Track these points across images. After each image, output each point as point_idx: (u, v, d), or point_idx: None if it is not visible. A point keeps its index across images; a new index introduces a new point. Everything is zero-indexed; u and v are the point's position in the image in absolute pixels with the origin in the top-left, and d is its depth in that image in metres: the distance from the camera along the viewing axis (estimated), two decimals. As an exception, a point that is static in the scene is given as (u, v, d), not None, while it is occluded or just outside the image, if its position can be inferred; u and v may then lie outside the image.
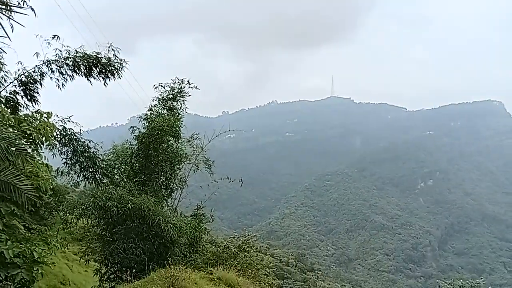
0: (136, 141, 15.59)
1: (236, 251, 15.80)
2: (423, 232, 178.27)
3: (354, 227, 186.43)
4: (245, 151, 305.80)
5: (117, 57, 14.43)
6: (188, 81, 16.55)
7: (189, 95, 16.71)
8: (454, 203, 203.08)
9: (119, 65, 14.54)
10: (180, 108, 16.68)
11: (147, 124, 15.44)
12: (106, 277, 14.22)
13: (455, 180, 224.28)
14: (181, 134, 16.30)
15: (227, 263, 14.30)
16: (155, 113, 15.92)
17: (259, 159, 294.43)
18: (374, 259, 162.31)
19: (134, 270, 11.46)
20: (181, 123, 16.21)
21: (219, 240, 18.18)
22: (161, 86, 16.44)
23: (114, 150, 16.63)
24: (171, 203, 16.53)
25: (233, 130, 21.04)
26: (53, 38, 13.62)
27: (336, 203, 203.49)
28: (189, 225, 14.95)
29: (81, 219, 13.99)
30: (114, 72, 14.54)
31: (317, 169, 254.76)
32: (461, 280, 18.68)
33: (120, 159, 16.23)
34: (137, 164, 15.58)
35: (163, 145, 15.30)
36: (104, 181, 15.32)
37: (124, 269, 11.78)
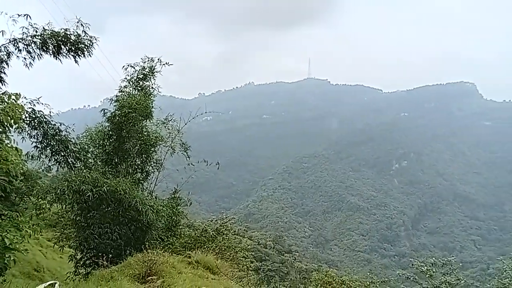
0: (108, 123, 15.15)
1: (214, 234, 15.71)
2: (397, 212, 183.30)
3: (331, 208, 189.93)
4: (222, 134, 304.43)
5: (87, 34, 13.68)
6: (159, 59, 16.12)
7: (161, 74, 16.33)
8: (427, 184, 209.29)
9: (89, 42, 13.78)
10: (152, 88, 16.26)
11: (117, 105, 15.00)
12: (81, 263, 13.99)
13: (428, 161, 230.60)
14: (153, 113, 15.91)
15: (205, 246, 14.20)
16: (125, 94, 15.47)
17: (237, 141, 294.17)
18: (350, 239, 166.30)
19: (110, 255, 11.28)
20: (152, 101, 15.81)
21: (197, 224, 18.08)
22: (131, 66, 15.96)
23: (86, 133, 16.08)
24: (147, 187, 16.20)
25: (209, 112, 20.74)
26: (19, 16, 12.84)
27: (313, 185, 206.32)
28: (166, 208, 14.73)
29: (55, 204, 13.55)
30: (84, 49, 13.81)
31: (294, 151, 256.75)
32: (433, 258, 19.26)
33: (93, 142, 15.74)
34: (110, 147, 15.18)
35: (135, 126, 14.92)
36: (77, 165, 14.83)
37: (100, 254, 11.52)
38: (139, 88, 15.95)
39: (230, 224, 17.53)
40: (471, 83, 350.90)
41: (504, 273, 17.13)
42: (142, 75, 16.05)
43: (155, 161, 16.38)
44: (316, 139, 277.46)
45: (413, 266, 19.33)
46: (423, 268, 18.30)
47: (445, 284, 17.43)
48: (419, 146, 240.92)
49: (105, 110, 15.34)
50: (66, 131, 14.65)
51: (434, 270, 18.28)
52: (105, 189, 12.35)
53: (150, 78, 16.19)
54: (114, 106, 15.07)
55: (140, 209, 12.80)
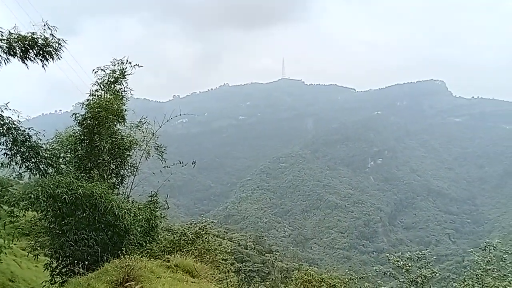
0: (79, 127, 14.82)
1: (194, 237, 15.60)
2: (374, 209, 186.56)
3: (309, 207, 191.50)
4: (199, 136, 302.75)
5: (55, 37, 13.27)
6: (127, 60, 15.86)
7: (131, 75, 16.08)
8: (402, 180, 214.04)
9: (57, 45, 13.36)
10: (124, 91, 16.01)
11: (87, 108, 14.71)
12: (57, 271, 13.62)
13: (402, 158, 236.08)
14: (127, 116, 15.68)
15: (184, 250, 14.08)
16: (97, 98, 15.12)
17: (213, 143, 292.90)
18: (329, 237, 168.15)
19: (86, 262, 11.07)
20: (123, 102, 15.58)
21: (176, 227, 17.90)
22: (101, 69, 15.62)
23: (57, 138, 15.62)
24: (123, 191, 15.91)
25: (185, 115, 20.59)
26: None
27: (291, 185, 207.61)
28: (144, 212, 14.53)
29: (28, 212, 13.24)
30: (53, 53, 13.42)
31: (272, 151, 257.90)
32: (409, 253, 19.63)
33: (64, 147, 15.32)
34: (82, 152, 14.85)
35: (107, 129, 14.67)
36: (49, 171, 14.43)
37: (76, 261, 11.32)
38: (111, 92, 15.61)
39: (210, 227, 17.43)
40: (440, 81, 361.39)
41: (477, 264, 17.62)
42: (113, 79, 15.74)
43: (130, 165, 16.12)
44: (292, 139, 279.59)
45: (389, 261, 19.67)
46: (399, 263, 18.64)
47: (421, 278, 17.79)
48: (393, 143, 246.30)
49: (77, 115, 14.95)
50: (36, 136, 14.22)
51: (410, 265, 18.63)
52: (81, 192, 12.09)
53: (122, 81, 15.91)
54: (85, 109, 14.73)
55: (117, 213, 12.57)
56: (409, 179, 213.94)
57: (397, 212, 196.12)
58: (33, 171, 14.38)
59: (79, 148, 14.95)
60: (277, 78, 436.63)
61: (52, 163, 14.60)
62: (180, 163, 17.08)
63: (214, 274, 13.01)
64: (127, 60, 15.84)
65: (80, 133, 14.86)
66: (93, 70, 15.66)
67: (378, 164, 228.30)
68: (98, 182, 13.20)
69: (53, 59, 13.52)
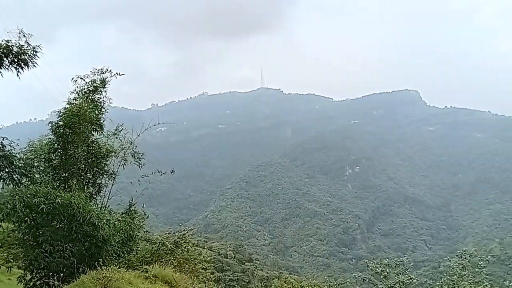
0: (53, 135, 14.44)
1: (172, 247, 15.40)
2: (352, 217, 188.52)
3: (289, 215, 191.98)
4: (178, 145, 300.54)
5: (30, 45, 12.96)
6: (107, 69, 15.64)
7: (110, 85, 15.84)
8: (379, 188, 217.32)
9: (32, 52, 13.04)
10: (103, 101, 15.78)
11: (62, 115, 14.37)
12: (31, 284, 13.09)
13: (379, 166, 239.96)
14: (104, 125, 15.46)
15: (163, 260, 13.90)
16: (73, 106, 14.74)
17: (193, 152, 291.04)
18: (308, 245, 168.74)
19: (62, 274, 10.76)
20: (100, 111, 15.38)
21: (155, 237, 17.64)
22: (81, 78, 15.37)
23: (31, 147, 15.16)
24: (100, 201, 15.54)
25: (163, 123, 20.41)
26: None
27: (271, 193, 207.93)
28: (121, 222, 14.22)
29: (1, 223, 12.71)
30: (28, 61, 13.19)
31: (251, 160, 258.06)
32: (387, 259, 19.97)
33: (38, 156, 14.89)
34: (56, 161, 14.48)
35: (82, 137, 14.35)
36: (23, 181, 14.05)
37: (51, 274, 10.98)
38: (90, 100, 15.33)
39: (189, 236, 17.27)
40: (415, 90, 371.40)
41: (453, 270, 18.03)
42: (93, 88, 15.51)
43: (107, 174, 15.77)
44: (271, 147, 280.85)
45: (368, 268, 19.93)
46: (378, 269, 18.91)
47: (399, 284, 18.09)
48: (370, 151, 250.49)
49: (53, 123, 14.54)
50: (10, 146, 13.84)
51: (388, 271, 18.93)
52: (59, 202, 11.76)
53: (102, 91, 15.70)
54: (59, 118, 14.39)
55: (96, 223, 12.29)
56: (386, 186, 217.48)
57: (374, 219, 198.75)
58: (7, 181, 13.96)
59: (53, 158, 14.57)
60: (256, 87, 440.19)
61: (26, 172, 14.24)
62: (159, 172, 16.85)
63: (193, 284, 12.88)
64: (107, 70, 15.64)
65: (54, 142, 14.49)
66: (72, 78, 15.39)
67: (356, 172, 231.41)
68: (76, 192, 12.90)
69: (28, 67, 13.26)
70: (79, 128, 14.02)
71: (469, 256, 18.06)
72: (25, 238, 13.23)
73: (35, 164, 14.78)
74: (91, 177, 15.37)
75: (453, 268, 17.90)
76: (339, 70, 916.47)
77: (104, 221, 12.53)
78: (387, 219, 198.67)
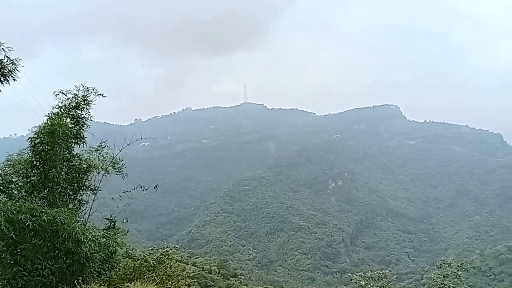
0: (32, 152, 14.18)
1: (155, 263, 15.21)
2: (336, 230, 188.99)
3: (273, 229, 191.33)
4: (161, 159, 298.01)
5: (9, 58, 12.85)
6: (94, 88, 15.53)
7: (94, 104, 15.65)
8: (362, 201, 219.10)
9: (12, 66, 12.94)
10: (86, 117, 15.64)
11: (41, 131, 14.09)
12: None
13: (362, 179, 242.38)
14: (86, 140, 15.36)
15: (145, 277, 13.71)
16: (55, 122, 14.50)
17: (176, 167, 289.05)
18: (293, 259, 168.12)
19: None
20: (82, 126, 15.30)
21: (137, 254, 17.38)
22: (62, 93, 15.20)
23: (9, 163, 14.80)
24: (82, 217, 15.28)
25: (146, 138, 20.17)
26: None
27: (255, 207, 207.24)
28: (106, 238, 14.08)
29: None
30: (7, 75, 13.05)
31: (235, 174, 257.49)
32: (370, 272, 20.11)
33: (17, 172, 14.55)
34: (35, 177, 14.18)
35: (62, 153, 14.13)
36: (0, 197, 13.75)
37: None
38: (71, 116, 15.25)
39: (172, 252, 17.08)
40: (395, 105, 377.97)
41: (434, 282, 18.28)
42: (75, 103, 15.38)
43: (88, 189, 15.61)
44: (255, 161, 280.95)
45: (352, 281, 20.02)
46: (361, 282, 19.00)
47: (383, 296, 18.21)
48: (352, 165, 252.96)
49: (32, 139, 14.25)
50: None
51: (372, 284, 19.04)
52: (44, 219, 11.59)
53: (84, 107, 15.54)
54: (38, 134, 14.12)
55: (81, 239, 12.16)
56: (368, 199, 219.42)
57: (358, 232, 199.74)
58: (-16, 197, 13.65)
59: (32, 174, 14.26)
60: (240, 102, 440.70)
61: (4, 189, 13.96)
62: (141, 187, 16.71)
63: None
64: (93, 89, 15.56)
65: (33, 158, 14.17)
66: (54, 92, 15.21)
67: (339, 185, 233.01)
68: (61, 208, 12.73)
69: (8, 81, 13.13)
70: (59, 144, 13.76)
71: (449, 266, 18.38)
72: (2, 256, 12.87)
73: (14, 179, 14.47)
74: (71, 193, 15.15)
75: (433, 279, 18.15)
76: (321, 85, 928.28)
77: (90, 237, 12.39)
78: (370, 232, 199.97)
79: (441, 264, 18.64)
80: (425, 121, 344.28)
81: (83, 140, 15.34)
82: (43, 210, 11.95)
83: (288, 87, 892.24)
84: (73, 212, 14.80)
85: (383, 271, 20.46)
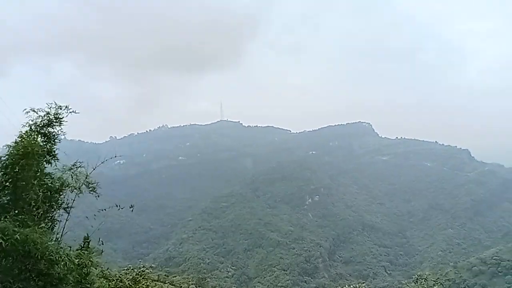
0: (2, 172, 13.83)
1: (131, 284, 15.16)
2: (314, 245, 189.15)
3: (252, 246, 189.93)
4: (137, 177, 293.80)
5: None
6: (66, 106, 15.37)
7: (66, 121, 15.47)
8: (338, 216, 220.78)
9: None
10: (57, 134, 15.38)
11: (11, 151, 13.77)
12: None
13: (337, 195, 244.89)
14: (58, 159, 15.05)
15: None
16: (26, 140, 14.19)
17: (153, 184, 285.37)
18: (272, 275, 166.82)
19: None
20: (54, 144, 15.08)
21: (112, 274, 17.23)
22: (33, 111, 14.92)
23: None
24: (55, 237, 14.64)
25: (120, 156, 20.05)
26: None
27: (233, 224, 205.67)
28: (77, 259, 13.62)
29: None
30: None
31: (213, 191, 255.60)
32: (347, 286, 20.55)
33: None
34: (5, 198, 13.77)
35: (34, 172, 13.80)
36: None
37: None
38: (43, 134, 14.99)
39: (149, 271, 17.01)
40: (367, 123, 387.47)
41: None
42: (46, 121, 15.12)
43: (61, 208, 15.20)
44: (232, 178, 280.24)
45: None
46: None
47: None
48: (328, 181, 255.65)
49: (2, 159, 13.96)
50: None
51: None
52: (18, 238, 11.32)
53: (55, 125, 15.31)
54: (7, 154, 13.79)
55: (54, 259, 11.91)
56: (344, 214, 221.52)
57: (335, 247, 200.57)
58: None
59: (1, 195, 13.86)
60: (216, 120, 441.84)
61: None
62: (117, 206, 16.52)
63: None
64: (66, 107, 15.42)
65: (2, 179, 13.81)
66: (25, 109, 14.90)
67: (316, 201, 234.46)
68: (35, 227, 12.46)
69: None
70: (30, 163, 13.50)
71: (425, 281, 18.96)
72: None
73: None
74: (43, 212, 14.55)
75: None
76: (295, 103, 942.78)
77: (63, 257, 12.15)
78: (347, 247, 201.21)
79: (417, 279, 19.20)
80: (397, 137, 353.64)
81: (56, 159, 15.09)
82: (15, 229, 11.62)
83: (264, 105, 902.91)
84: (46, 231, 14.76)
85: (361, 285, 20.86)
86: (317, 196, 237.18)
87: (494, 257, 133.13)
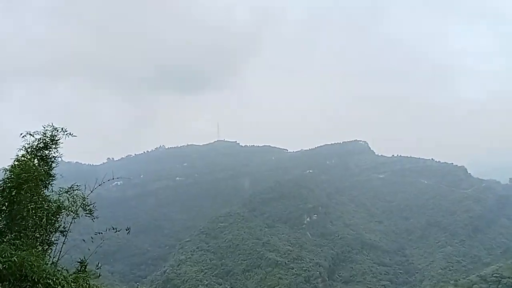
0: None
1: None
2: (313, 265, 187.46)
3: (250, 266, 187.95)
4: (135, 198, 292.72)
5: None
6: (63, 128, 15.51)
7: (63, 143, 15.70)
8: (337, 234, 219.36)
9: None
10: (54, 157, 15.53)
11: (8, 175, 13.82)
12: None
13: (336, 213, 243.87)
14: (56, 181, 15.37)
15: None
16: (23, 163, 14.26)
17: (150, 205, 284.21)
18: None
19: None
20: (51, 167, 15.34)
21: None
22: (30, 134, 15.01)
23: None
24: (51, 260, 14.88)
25: (118, 178, 20.25)
26: None
27: (231, 244, 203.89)
28: (74, 282, 13.53)
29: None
30: None
31: (210, 211, 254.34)
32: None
33: None
34: (1, 222, 14.04)
35: (31, 196, 13.96)
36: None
37: None
38: (39, 157, 15.07)
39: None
40: (363, 141, 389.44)
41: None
42: (43, 144, 15.19)
43: (58, 231, 15.37)
44: (230, 198, 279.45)
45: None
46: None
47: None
48: (326, 200, 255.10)
49: None
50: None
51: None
52: (15, 260, 11.49)
53: (52, 147, 15.45)
54: (4, 177, 13.88)
55: (53, 281, 12.02)
56: (343, 233, 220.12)
57: (335, 266, 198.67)
58: None
59: None
60: (213, 140, 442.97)
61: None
62: (114, 229, 16.48)
63: None
64: (62, 129, 15.63)
65: None
66: (21, 134, 14.96)
67: (314, 220, 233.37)
68: (31, 250, 12.73)
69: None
70: (27, 186, 13.68)
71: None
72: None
73: None
74: (39, 236, 14.83)
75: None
76: (292, 123, 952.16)
77: (60, 280, 12.27)
78: (346, 266, 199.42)
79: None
80: (393, 155, 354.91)
81: (52, 181, 15.30)
82: (13, 252, 11.76)
83: (260, 125, 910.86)
84: (42, 254, 14.45)
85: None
86: (315, 215, 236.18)
87: (494, 274, 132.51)
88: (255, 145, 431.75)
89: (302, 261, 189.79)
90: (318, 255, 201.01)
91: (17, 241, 13.61)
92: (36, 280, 11.91)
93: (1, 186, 13.80)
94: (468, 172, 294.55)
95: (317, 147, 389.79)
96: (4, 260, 11.44)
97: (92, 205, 15.85)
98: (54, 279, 12.12)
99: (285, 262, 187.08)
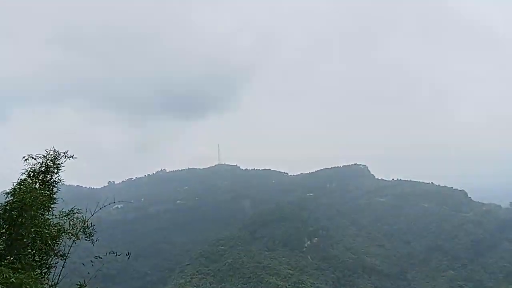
0: None
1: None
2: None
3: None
4: (135, 221, 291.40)
5: None
6: (64, 152, 15.64)
7: (64, 167, 15.74)
8: (338, 258, 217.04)
9: None
10: (55, 181, 15.69)
11: (10, 199, 13.83)
12: None
13: (336, 237, 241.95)
14: (55, 206, 15.39)
15: None
16: (24, 187, 14.30)
17: (151, 229, 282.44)
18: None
19: None
20: (52, 191, 15.39)
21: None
22: (32, 157, 15.10)
23: None
24: (49, 283, 14.85)
25: (118, 202, 20.66)
26: None
27: (231, 268, 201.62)
28: None
29: None
30: None
31: (210, 235, 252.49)
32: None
33: None
34: (1, 245, 13.93)
35: (31, 218, 13.86)
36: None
37: None
38: (41, 181, 15.23)
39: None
40: (363, 165, 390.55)
41: None
42: (44, 168, 15.35)
43: (57, 255, 15.24)
44: (230, 221, 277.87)
45: None
46: None
47: None
48: (326, 223, 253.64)
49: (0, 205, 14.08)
50: None
51: None
52: (14, 282, 11.32)
53: (53, 171, 15.60)
54: (7, 201, 13.93)
55: None
56: (344, 257, 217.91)
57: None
58: None
59: None
60: (214, 164, 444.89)
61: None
62: (113, 253, 16.32)
63: None
64: (64, 153, 15.70)
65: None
66: (23, 157, 15.03)
67: (314, 243, 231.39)
68: (30, 273, 12.66)
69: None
70: (28, 210, 13.58)
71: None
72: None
73: None
74: (38, 259, 14.73)
75: None
76: (291, 146, 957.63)
77: None
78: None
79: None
80: (393, 179, 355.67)
81: (53, 205, 15.31)
82: (12, 274, 11.58)
83: (260, 149, 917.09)
84: (41, 277, 14.62)
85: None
86: (316, 238, 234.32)
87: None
88: (255, 168, 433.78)
89: (303, 285, 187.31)
90: (319, 279, 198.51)
91: (16, 264, 13.82)
92: None
93: (1, 209, 13.82)
94: (469, 196, 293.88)
95: (317, 170, 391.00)
96: (3, 281, 11.33)
97: (92, 228, 16.00)
98: None
99: (286, 286, 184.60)
